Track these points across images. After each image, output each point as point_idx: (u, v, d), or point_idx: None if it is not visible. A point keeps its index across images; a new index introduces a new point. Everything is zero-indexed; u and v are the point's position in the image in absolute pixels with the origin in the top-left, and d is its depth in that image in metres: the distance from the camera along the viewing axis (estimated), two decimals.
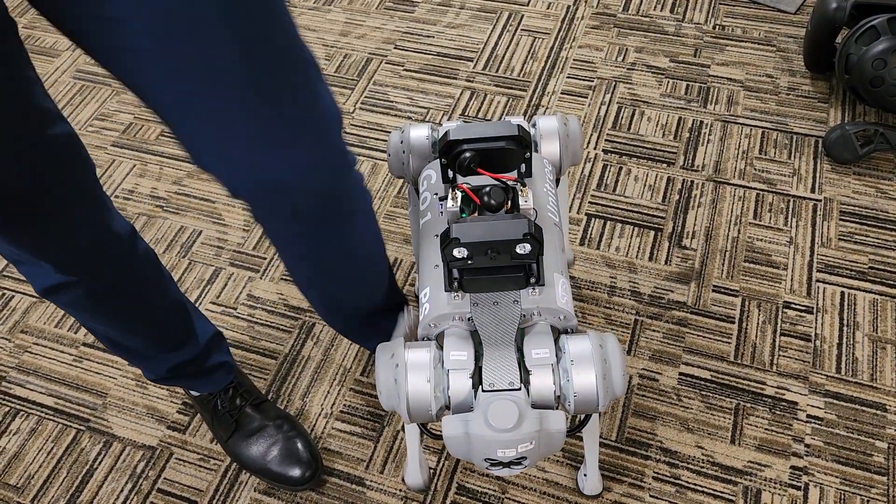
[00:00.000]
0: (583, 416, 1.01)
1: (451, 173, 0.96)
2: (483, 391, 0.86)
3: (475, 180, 0.99)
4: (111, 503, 1.26)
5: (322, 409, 1.35)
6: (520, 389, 0.86)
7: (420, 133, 1.13)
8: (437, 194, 1.04)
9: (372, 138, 1.78)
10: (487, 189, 0.94)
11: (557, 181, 1.14)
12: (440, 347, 0.92)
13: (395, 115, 1.83)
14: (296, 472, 1.23)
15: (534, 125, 1.12)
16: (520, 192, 0.95)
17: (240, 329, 1.47)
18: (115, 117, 1.88)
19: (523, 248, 0.87)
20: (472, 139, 0.93)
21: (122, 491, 1.27)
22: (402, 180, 1.70)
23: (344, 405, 1.35)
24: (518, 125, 0.94)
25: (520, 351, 0.90)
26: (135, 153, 1.80)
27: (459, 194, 0.95)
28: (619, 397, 0.93)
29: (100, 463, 1.31)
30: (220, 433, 1.29)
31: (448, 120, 1.80)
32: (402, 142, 1.12)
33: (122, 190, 1.72)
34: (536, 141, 1.11)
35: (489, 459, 0.86)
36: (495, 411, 0.84)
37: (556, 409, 0.89)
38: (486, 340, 0.89)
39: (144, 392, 1.39)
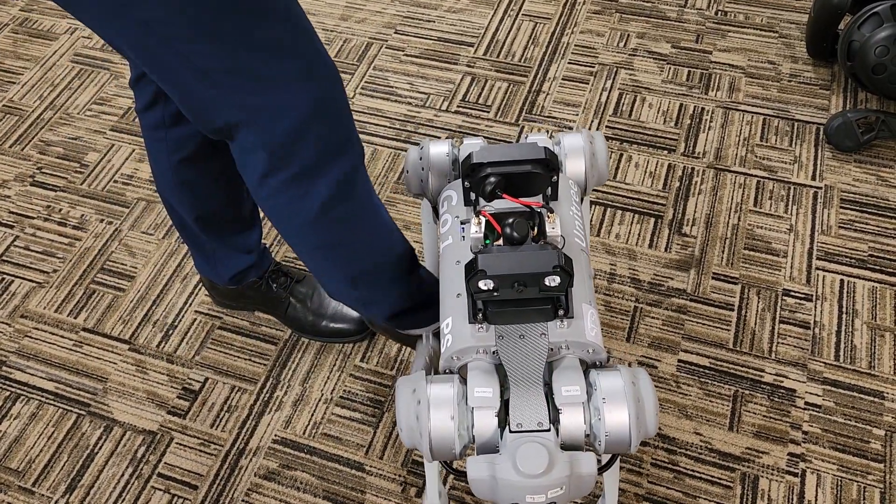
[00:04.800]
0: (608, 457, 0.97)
1: (473, 196, 0.93)
2: (510, 431, 0.83)
3: (499, 203, 0.94)
4: (112, 488, 1.27)
5: (322, 394, 1.35)
6: (549, 430, 0.83)
7: (440, 150, 1.08)
8: (458, 217, 1.00)
9: (372, 124, 1.78)
10: (511, 221, 0.89)
11: (581, 199, 1.12)
12: (463, 381, 0.89)
13: (396, 101, 1.82)
14: (355, 314, 1.38)
15: (558, 143, 1.08)
16: (546, 219, 0.91)
17: (240, 315, 1.47)
18: (113, 101, 1.87)
19: (552, 281, 0.83)
20: (497, 162, 0.89)
21: (122, 475, 1.28)
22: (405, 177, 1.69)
23: (344, 391, 1.36)
24: (545, 148, 0.90)
25: (547, 386, 0.87)
26: (134, 138, 1.79)
27: (483, 220, 0.91)
28: (651, 437, 0.91)
29: (100, 448, 1.31)
30: (275, 310, 1.42)
31: (447, 105, 1.80)
32: (421, 158, 1.08)
33: (122, 175, 1.72)
34: (561, 160, 1.06)
35: None
36: (524, 455, 0.80)
37: (585, 448, 0.86)
38: (513, 376, 0.85)
39: (145, 377, 1.40)
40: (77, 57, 1.98)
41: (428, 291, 1.18)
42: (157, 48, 0.81)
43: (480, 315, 0.88)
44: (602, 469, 0.92)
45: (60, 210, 1.66)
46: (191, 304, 1.49)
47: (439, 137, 1.74)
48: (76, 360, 1.43)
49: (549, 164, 0.90)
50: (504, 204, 0.95)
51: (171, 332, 1.45)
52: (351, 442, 1.30)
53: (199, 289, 1.51)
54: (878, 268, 1.45)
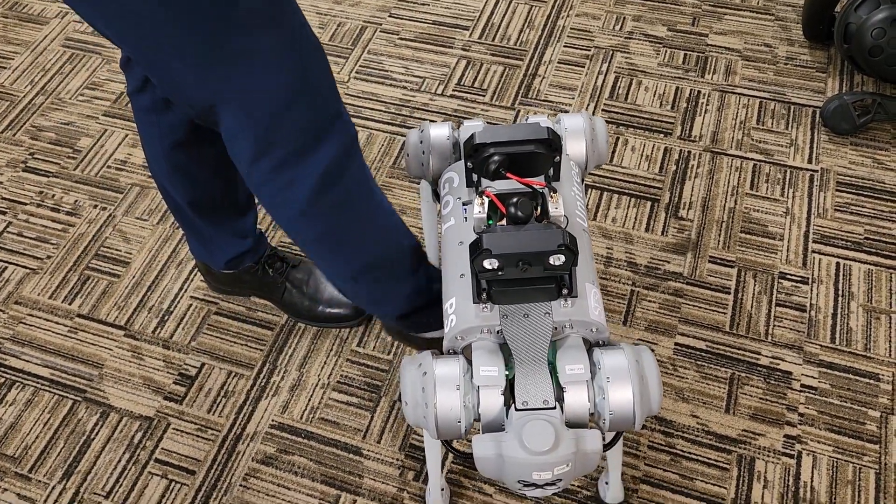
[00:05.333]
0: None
1: (475, 177, 0.93)
2: (516, 409, 0.83)
3: (501, 184, 0.95)
4: (109, 473, 1.27)
5: (319, 379, 1.35)
6: (555, 408, 0.83)
7: (441, 132, 1.08)
8: (460, 198, 1.00)
9: (367, 108, 1.76)
10: (515, 200, 0.89)
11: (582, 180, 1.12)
12: (468, 361, 0.89)
13: (391, 85, 1.81)
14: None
15: (558, 123, 1.08)
16: (549, 199, 0.91)
17: (236, 300, 1.46)
18: (105, 86, 1.85)
19: (557, 260, 0.84)
20: (500, 142, 0.89)
21: (119, 461, 1.28)
22: (399, 161, 1.68)
23: (341, 376, 1.35)
24: (548, 128, 0.90)
25: (551, 365, 0.87)
26: (127, 123, 1.77)
27: (486, 201, 0.91)
28: (654, 414, 0.91)
29: (97, 434, 1.31)
30: (272, 295, 1.41)
31: (443, 88, 1.79)
32: (421, 141, 1.08)
33: (115, 160, 1.70)
34: (562, 140, 1.06)
35: (523, 481, 0.83)
36: (531, 433, 0.80)
37: (589, 426, 0.86)
38: (518, 355, 0.86)
39: (141, 363, 1.39)
40: (68, 41, 1.96)
41: (438, 290, 1.17)
42: (133, 28, 0.80)
43: (485, 295, 0.88)
44: (606, 447, 0.93)
45: (53, 196, 1.64)
46: (186, 290, 1.49)
47: (434, 122, 1.72)
48: (71, 346, 1.42)
49: (552, 145, 0.89)
50: (506, 185, 0.95)
51: (166, 317, 1.45)
52: (348, 426, 1.30)
53: (195, 274, 1.50)
54: (873, 250, 1.45)
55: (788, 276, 1.43)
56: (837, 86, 1.72)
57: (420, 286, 1.16)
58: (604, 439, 0.93)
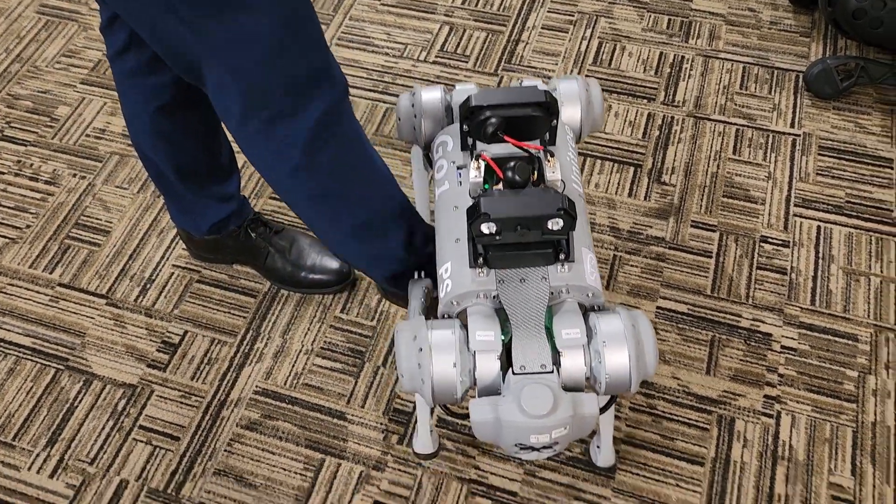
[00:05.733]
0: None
1: (471, 141, 0.91)
2: (514, 374, 0.83)
3: (496, 148, 0.93)
4: (93, 440, 1.27)
5: (303, 345, 1.35)
6: (552, 372, 0.83)
7: (433, 96, 1.06)
8: (454, 162, 0.98)
9: (349, 75, 1.74)
10: (513, 164, 0.88)
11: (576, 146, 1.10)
12: (463, 326, 0.88)
13: (373, 52, 1.79)
14: (334, 265, 1.37)
15: (553, 88, 1.06)
16: (546, 163, 0.90)
17: (219, 268, 1.45)
18: (83, 54, 1.82)
19: (555, 224, 0.83)
20: (497, 105, 0.88)
21: (103, 429, 1.28)
22: (387, 128, 1.67)
23: (324, 342, 1.36)
24: (545, 91, 0.89)
25: (548, 330, 0.87)
26: (105, 91, 1.75)
27: (483, 164, 0.90)
28: (649, 378, 0.92)
29: (80, 401, 1.31)
30: (255, 260, 1.40)
31: (425, 55, 1.77)
32: (413, 105, 1.06)
33: (94, 129, 1.68)
34: None
35: (520, 444, 0.83)
36: (529, 396, 0.81)
37: (586, 390, 0.86)
38: (515, 320, 0.86)
39: (123, 331, 1.39)
40: (43, 8, 1.92)
41: (432, 248, 1.16)
42: None
43: (481, 259, 0.88)
44: (602, 410, 0.93)
45: (32, 165, 1.62)
46: (168, 258, 1.48)
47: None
48: (53, 315, 1.41)
49: (550, 108, 0.89)
50: (502, 149, 0.93)
51: (148, 286, 1.44)
52: (332, 391, 1.30)
53: (176, 243, 1.49)
54: (854, 213, 1.46)
55: (770, 240, 1.44)
56: (821, 50, 1.72)
57: (416, 243, 1.15)
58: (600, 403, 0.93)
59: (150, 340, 1.37)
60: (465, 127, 0.92)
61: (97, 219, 1.54)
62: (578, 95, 1.06)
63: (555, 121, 0.91)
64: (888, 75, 1.60)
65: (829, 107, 1.62)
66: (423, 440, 1.15)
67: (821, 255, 1.41)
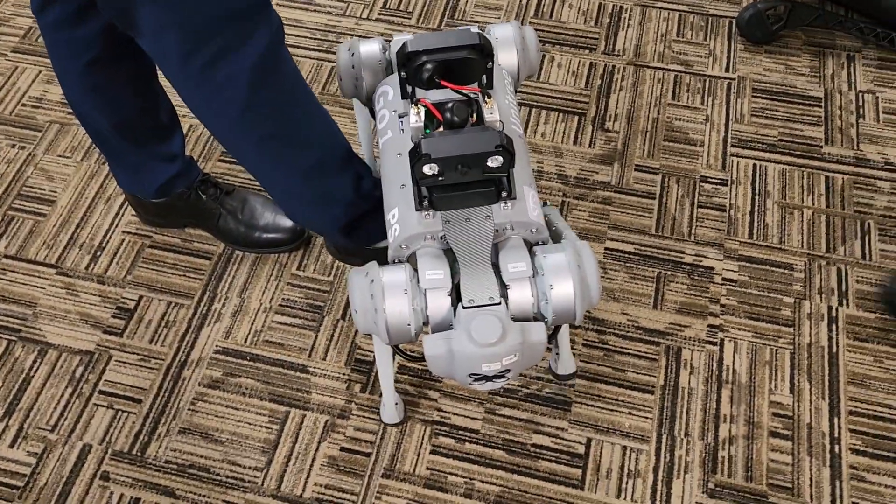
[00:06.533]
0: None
1: (410, 88, 0.92)
2: (463, 308, 0.86)
3: (436, 95, 0.95)
4: (52, 408, 1.26)
5: (261, 303, 1.36)
6: (500, 304, 0.86)
7: (371, 48, 1.07)
8: (395, 111, 1.00)
9: (292, 35, 1.73)
10: (450, 105, 0.90)
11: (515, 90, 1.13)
12: (414, 269, 0.91)
13: (315, 11, 1.77)
14: (288, 223, 1.37)
15: (488, 32, 1.08)
16: (484, 105, 0.92)
17: (170, 232, 1.45)
18: (12, 21, 1.76)
19: (495, 161, 0.85)
20: (433, 49, 0.89)
21: (62, 396, 1.27)
22: (334, 87, 1.67)
23: (282, 299, 1.37)
24: (479, 34, 0.90)
25: (495, 266, 0.89)
26: (38, 58, 1.70)
27: (422, 110, 0.92)
28: (595, 306, 0.95)
29: (36, 371, 1.30)
30: (206, 222, 1.39)
31: (368, 12, 1.77)
32: (352, 60, 1.07)
33: (30, 98, 1.64)
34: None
35: (473, 374, 0.86)
36: (478, 326, 0.83)
37: (534, 320, 0.89)
38: (462, 257, 0.88)
39: (76, 300, 1.37)
40: None
41: (379, 196, 1.16)
42: None
43: (426, 202, 0.90)
44: (550, 337, 0.97)
45: None
46: (117, 225, 1.46)
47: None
48: (1, 287, 1.39)
49: (484, 50, 0.90)
50: (441, 95, 0.95)
51: (98, 253, 1.42)
52: (293, 346, 1.32)
53: (125, 209, 1.48)
54: (787, 151, 1.53)
55: (709, 180, 1.49)
56: None
57: (364, 187, 1.16)
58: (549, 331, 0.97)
59: (105, 307, 1.36)
60: (402, 73, 0.94)
61: (40, 189, 1.51)
62: (513, 40, 1.08)
63: (490, 63, 0.93)
64: (815, 17, 1.66)
65: (761, 50, 1.68)
66: (389, 409, 1.19)
67: (757, 191, 1.48)
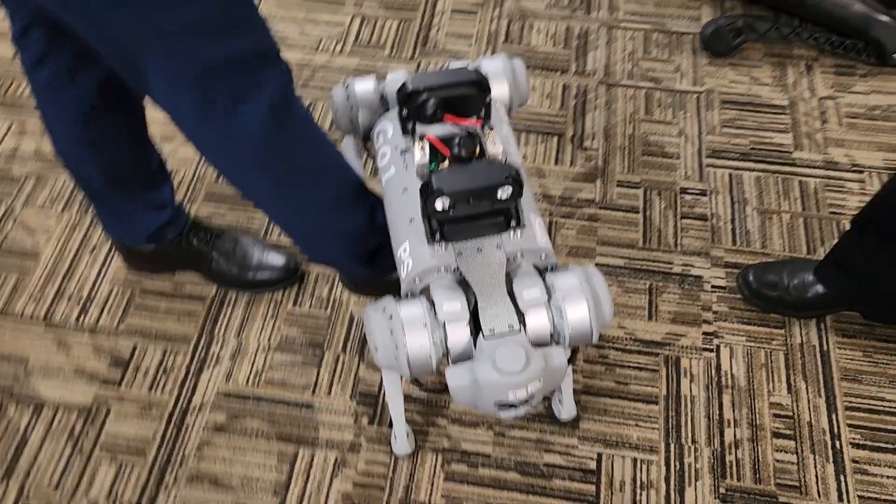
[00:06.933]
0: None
1: (410, 124, 0.94)
2: (484, 338, 0.87)
3: (436, 130, 0.97)
4: (53, 467, 1.23)
5: (259, 343, 1.35)
6: (520, 332, 0.87)
7: (366, 86, 1.09)
8: (397, 147, 1.01)
9: None
10: (457, 139, 0.93)
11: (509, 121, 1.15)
12: (428, 301, 0.91)
13: (288, 48, 1.78)
14: (280, 261, 1.37)
15: (479, 68, 1.09)
16: (486, 137, 0.95)
17: (160, 278, 1.43)
18: None
19: (505, 192, 0.87)
20: (434, 87, 0.92)
21: (62, 453, 1.24)
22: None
23: (281, 337, 1.36)
24: (475, 70, 0.93)
25: (509, 294, 0.91)
26: (9, 111, 1.67)
27: (427, 145, 0.94)
28: (608, 327, 0.96)
29: (33, 430, 1.26)
30: (199, 266, 1.39)
31: (341, 47, 1.78)
32: (348, 97, 1.09)
33: (3, 152, 1.61)
34: None
35: (499, 403, 0.87)
36: (503, 355, 0.84)
37: (552, 345, 0.90)
38: (478, 287, 0.89)
39: (69, 353, 1.34)
40: None
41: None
42: None
43: (438, 235, 0.91)
44: (569, 361, 0.98)
45: None
46: (105, 275, 1.44)
47: (338, 81, 1.73)
48: None
49: (482, 85, 0.93)
50: (441, 130, 0.97)
51: (88, 304, 1.40)
52: (296, 384, 1.31)
53: (112, 258, 1.46)
54: (759, 158, 1.58)
55: (689, 191, 1.54)
56: (710, 12, 1.84)
57: (378, 218, 1.17)
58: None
59: (99, 358, 1.34)
60: (404, 111, 0.95)
61: (22, 243, 1.48)
62: (504, 72, 1.11)
63: (488, 97, 0.96)
64: (772, 30, 1.74)
65: (725, 64, 1.74)
66: (401, 442, 1.19)
67: (735, 199, 1.52)
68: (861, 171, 1.55)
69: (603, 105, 1.68)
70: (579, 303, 0.90)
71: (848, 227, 1.28)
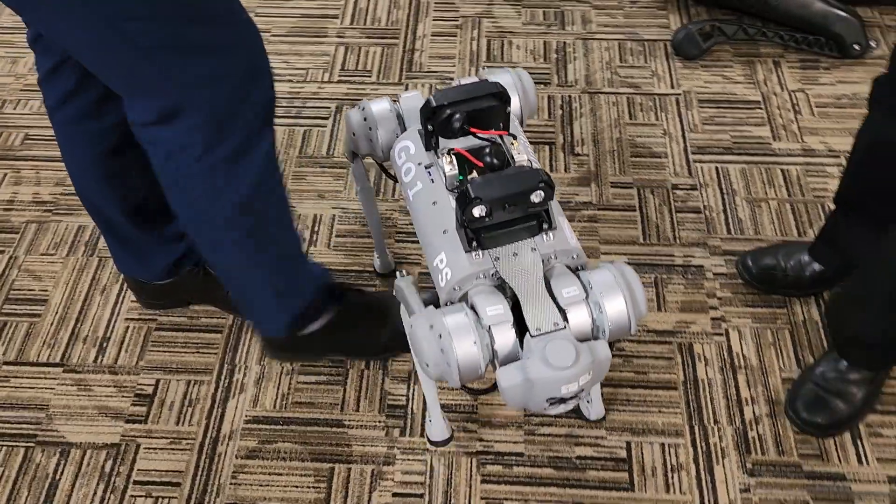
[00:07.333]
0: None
1: (434, 139, 0.98)
2: (531, 336, 0.90)
3: (458, 143, 1.00)
4: None
5: (283, 367, 1.36)
6: (565, 328, 0.90)
7: (383, 107, 1.13)
8: (421, 163, 1.04)
9: None
10: (487, 150, 0.97)
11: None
12: (471, 307, 0.94)
13: (276, 80, 1.81)
14: None
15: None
16: (512, 146, 0.99)
17: (175, 312, 1.43)
18: None
19: (538, 196, 0.91)
20: (458, 101, 0.95)
21: (95, 494, 1.23)
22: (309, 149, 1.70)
23: None
24: (496, 83, 0.97)
25: (549, 293, 0.94)
26: (2, 161, 1.67)
27: (454, 158, 0.97)
28: (644, 318, 0.99)
29: (62, 474, 1.25)
30: (215, 296, 1.37)
31: (328, 76, 1.83)
32: (365, 119, 1.12)
33: (0, 202, 1.60)
34: None
35: (551, 399, 0.89)
36: (553, 351, 0.87)
37: (593, 339, 0.93)
38: (519, 289, 0.92)
39: (90, 394, 1.34)
40: None
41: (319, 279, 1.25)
42: (104, 31, 0.80)
43: (474, 243, 0.95)
44: None
45: None
46: (119, 314, 1.44)
47: (328, 108, 1.76)
48: (7, 395, 1.34)
49: (503, 97, 0.97)
50: (464, 143, 1.01)
51: (105, 344, 1.40)
52: (324, 403, 1.32)
53: (124, 296, 1.46)
54: (741, 151, 1.66)
55: (680, 186, 1.61)
56: (678, 19, 1.93)
57: (315, 273, 1.24)
58: None
59: (123, 396, 1.33)
60: (429, 126, 0.99)
61: (29, 290, 1.47)
62: (514, 85, 1.16)
63: (508, 108, 1.00)
64: (739, 31, 1.83)
65: (698, 66, 1.83)
66: (438, 427, 1.21)
67: (724, 191, 1.60)
68: (837, 156, 1.64)
69: (588, 113, 1.74)
70: (616, 297, 0.93)
71: (832, 207, 1.35)
